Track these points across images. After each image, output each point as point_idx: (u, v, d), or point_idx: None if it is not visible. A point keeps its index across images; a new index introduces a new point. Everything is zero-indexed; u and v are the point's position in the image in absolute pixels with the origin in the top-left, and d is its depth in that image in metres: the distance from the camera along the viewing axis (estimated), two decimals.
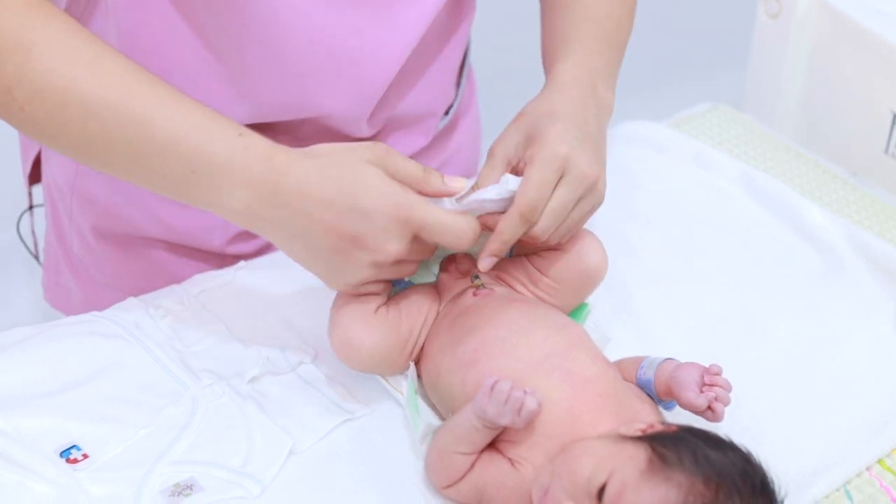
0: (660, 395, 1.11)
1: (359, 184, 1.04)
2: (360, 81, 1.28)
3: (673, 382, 1.09)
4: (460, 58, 1.44)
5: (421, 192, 1.08)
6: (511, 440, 1.06)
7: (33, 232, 1.60)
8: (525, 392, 1.02)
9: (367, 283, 1.10)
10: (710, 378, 1.08)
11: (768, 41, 1.85)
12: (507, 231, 1.11)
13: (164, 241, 1.40)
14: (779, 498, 1.01)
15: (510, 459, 1.06)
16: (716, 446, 1.01)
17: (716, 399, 1.07)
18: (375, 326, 1.13)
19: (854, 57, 1.74)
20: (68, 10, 1.23)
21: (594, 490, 0.99)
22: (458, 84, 1.48)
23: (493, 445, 1.07)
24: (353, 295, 1.13)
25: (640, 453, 1.00)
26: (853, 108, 1.76)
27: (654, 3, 1.53)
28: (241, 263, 1.34)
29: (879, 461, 1.16)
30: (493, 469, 1.06)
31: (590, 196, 1.14)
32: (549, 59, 1.25)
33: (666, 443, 1.01)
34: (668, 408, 1.12)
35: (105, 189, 1.36)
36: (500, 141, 1.16)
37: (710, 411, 1.07)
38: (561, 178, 1.11)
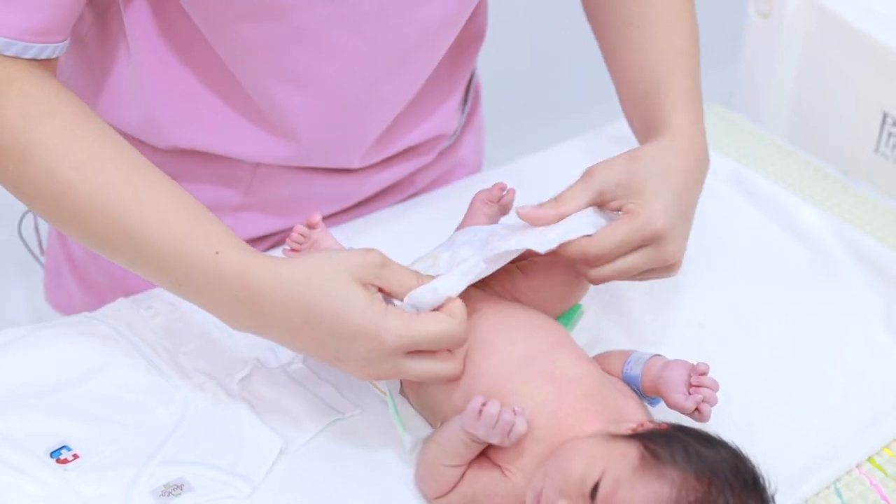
0: (645, 392, 1.11)
1: (342, 307, 1.00)
2: (364, 124, 1.30)
3: (660, 382, 1.09)
4: (466, 83, 1.45)
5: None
6: (499, 447, 1.05)
7: (37, 230, 1.59)
8: (515, 413, 1.01)
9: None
10: (696, 379, 1.08)
11: (759, 40, 1.86)
12: (570, 251, 1.10)
13: None
14: (769, 494, 1.01)
15: (500, 467, 1.06)
16: (707, 443, 1.02)
17: (703, 401, 1.07)
18: None
19: (845, 56, 1.74)
20: (89, 54, 1.27)
21: (587, 488, 0.99)
22: (464, 103, 1.48)
23: (482, 453, 1.07)
24: None
25: (631, 451, 1.00)
26: (844, 107, 1.77)
27: None
28: None
29: (869, 459, 1.16)
30: (484, 478, 1.06)
31: (661, 272, 1.14)
32: (652, 100, 1.22)
33: (657, 440, 1.01)
34: (652, 404, 1.12)
35: None
36: (602, 169, 1.13)
37: (697, 412, 1.07)
38: (644, 246, 1.10)
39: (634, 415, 1.07)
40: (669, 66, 1.23)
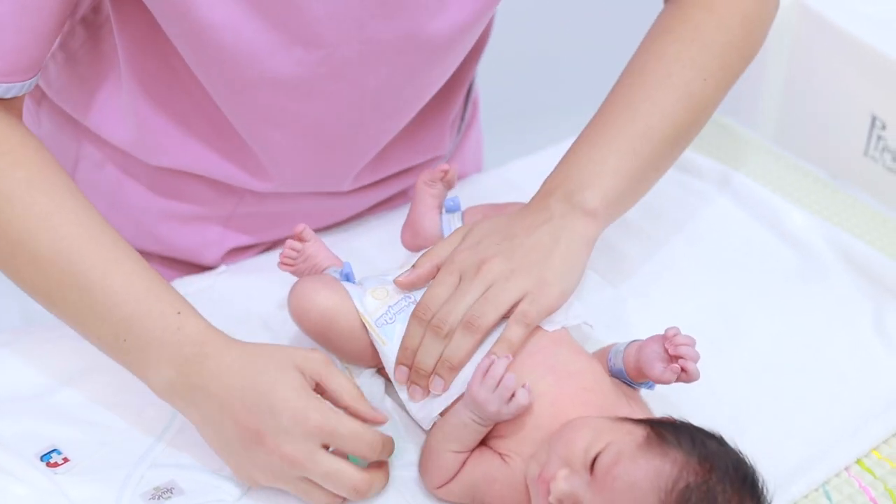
0: (635, 380, 1.12)
1: (276, 382, 1.02)
2: (349, 158, 1.30)
3: (641, 364, 1.10)
4: (463, 100, 1.44)
5: (347, 411, 1.05)
6: (499, 435, 1.07)
7: None
8: (522, 387, 1.03)
9: (282, 486, 1.05)
10: (672, 348, 1.07)
11: None
12: (408, 337, 1.11)
13: (157, 254, 1.40)
14: (766, 499, 1.02)
15: (500, 454, 1.06)
16: (713, 438, 1.03)
17: (683, 367, 1.07)
18: (331, 284, 1.15)
19: (833, 60, 1.75)
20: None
21: (590, 459, 1.00)
22: (461, 120, 1.47)
23: (483, 442, 1.07)
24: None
25: (638, 430, 1.02)
26: (833, 110, 1.77)
27: (636, 4, 1.53)
28: (222, 268, 1.35)
29: (858, 461, 1.17)
30: (484, 465, 1.07)
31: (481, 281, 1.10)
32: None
33: (665, 426, 1.02)
34: (650, 387, 1.13)
35: (99, 201, 1.36)
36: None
37: (684, 374, 1.07)
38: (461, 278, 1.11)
39: (634, 413, 1.08)
40: (594, 130, 1.19)
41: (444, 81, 1.29)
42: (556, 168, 1.19)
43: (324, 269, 1.21)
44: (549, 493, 1.00)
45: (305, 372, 1.04)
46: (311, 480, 1.03)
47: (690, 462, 0.98)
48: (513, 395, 1.03)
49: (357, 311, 1.14)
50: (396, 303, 1.14)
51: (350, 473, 1.03)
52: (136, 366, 1.07)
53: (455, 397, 1.08)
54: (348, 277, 1.19)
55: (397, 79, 1.21)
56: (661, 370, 1.08)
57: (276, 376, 1.03)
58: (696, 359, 1.07)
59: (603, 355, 1.14)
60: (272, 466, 1.03)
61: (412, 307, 1.13)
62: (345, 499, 1.05)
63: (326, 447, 1.03)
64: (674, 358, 1.07)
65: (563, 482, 0.99)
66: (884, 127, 1.68)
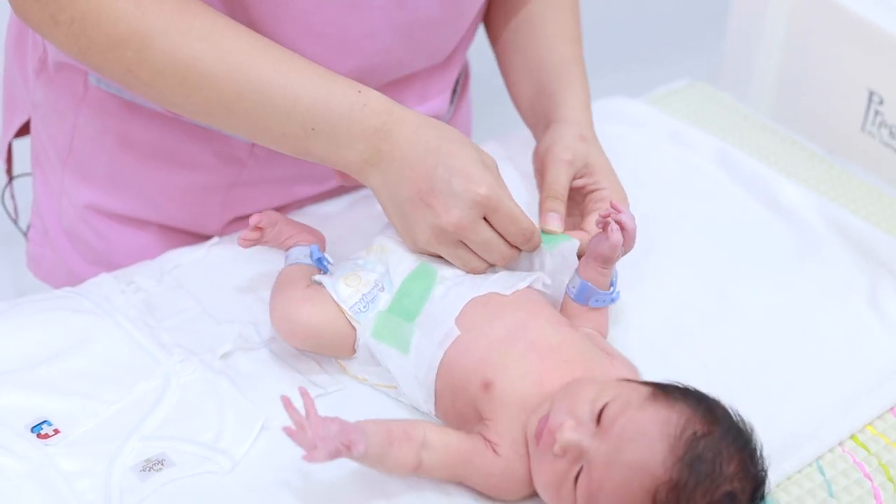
0: (599, 286, 1.15)
1: (457, 151, 1.11)
2: (376, 83, 1.29)
3: (590, 254, 1.15)
4: (460, 67, 1.44)
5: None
6: (488, 418, 1.06)
7: (13, 197, 1.58)
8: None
9: (439, 249, 1.13)
10: (602, 219, 1.13)
11: (745, 18, 1.86)
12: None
13: (157, 223, 1.39)
14: (761, 471, 1.02)
15: (491, 444, 1.05)
16: (715, 401, 1.03)
17: (616, 220, 1.12)
18: (311, 296, 1.14)
19: (831, 34, 1.74)
20: None
21: (597, 410, 1.00)
22: (455, 86, 1.47)
23: (474, 430, 1.07)
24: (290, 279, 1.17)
25: (643, 387, 1.03)
26: (830, 85, 1.76)
27: None
28: (215, 239, 1.34)
29: (852, 437, 1.17)
30: (479, 460, 1.05)
31: None
32: (552, 88, 1.33)
33: (669, 386, 1.03)
34: (613, 300, 1.17)
35: (98, 171, 1.35)
36: (569, 152, 1.25)
37: (624, 231, 1.13)
38: None
39: (621, 376, 1.08)
40: (564, 64, 1.34)
41: (473, 16, 1.31)
42: (572, 97, 1.32)
43: (289, 248, 1.21)
44: (553, 443, 0.99)
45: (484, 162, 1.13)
46: (466, 246, 1.13)
47: (696, 413, 0.99)
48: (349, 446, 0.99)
49: (336, 303, 1.14)
50: (369, 291, 1.15)
51: (502, 245, 1.13)
52: (329, 150, 1.13)
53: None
54: (320, 261, 1.19)
55: (434, 5, 1.23)
56: (603, 238, 1.12)
57: (458, 147, 1.12)
58: (622, 211, 1.12)
59: (566, 303, 1.17)
60: (434, 229, 1.11)
61: (381, 296, 1.15)
62: (490, 265, 1.16)
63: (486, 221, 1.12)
64: (606, 224, 1.12)
65: (569, 432, 0.98)
66: (881, 102, 1.68)
